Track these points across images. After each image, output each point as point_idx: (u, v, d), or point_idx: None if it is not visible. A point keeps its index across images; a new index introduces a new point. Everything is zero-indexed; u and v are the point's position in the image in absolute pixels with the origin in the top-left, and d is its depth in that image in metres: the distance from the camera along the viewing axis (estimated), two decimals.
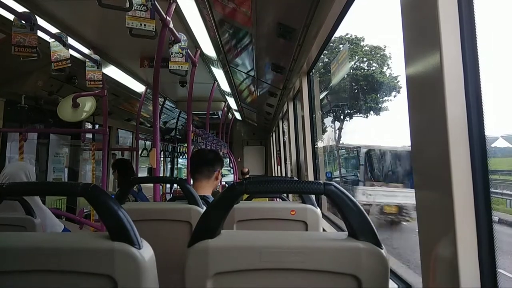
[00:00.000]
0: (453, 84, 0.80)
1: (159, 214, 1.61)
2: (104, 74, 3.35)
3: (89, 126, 5.17)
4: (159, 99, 5.16)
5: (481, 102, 0.81)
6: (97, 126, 4.99)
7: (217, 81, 4.91)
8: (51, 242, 0.85)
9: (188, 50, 2.84)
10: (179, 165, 10.35)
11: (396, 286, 1.24)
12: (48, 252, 0.81)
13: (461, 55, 0.82)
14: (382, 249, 0.84)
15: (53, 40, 2.56)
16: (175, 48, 2.74)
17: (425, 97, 0.89)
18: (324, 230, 2.16)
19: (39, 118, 4.37)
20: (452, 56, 0.81)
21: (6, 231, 0.94)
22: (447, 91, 0.80)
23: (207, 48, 3.47)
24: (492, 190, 0.80)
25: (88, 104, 3.64)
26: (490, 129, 0.83)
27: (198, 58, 3.50)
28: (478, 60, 0.82)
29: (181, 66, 2.73)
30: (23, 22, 2.21)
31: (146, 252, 0.82)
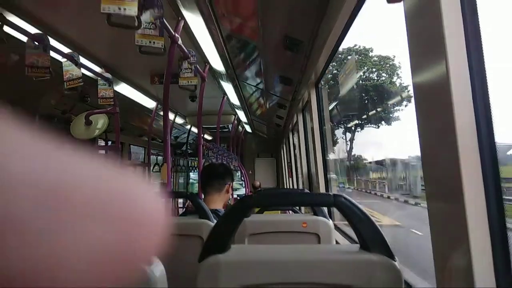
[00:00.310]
0: (460, 92, 0.80)
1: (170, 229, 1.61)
2: (115, 92, 3.42)
3: (102, 143, 5.24)
4: (170, 114, 5.21)
5: (490, 109, 0.81)
6: (109, 143, 5.06)
7: (226, 94, 4.96)
8: None
9: (197, 65, 2.88)
10: (190, 180, 10.39)
11: None
12: None
13: (467, 63, 0.82)
14: (395, 261, 0.82)
15: (65, 59, 2.63)
16: (185, 64, 2.79)
17: (433, 106, 0.88)
18: (337, 242, 2.14)
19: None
20: (458, 64, 0.81)
21: None
22: (455, 99, 0.79)
23: (216, 63, 3.52)
24: (505, 197, 0.79)
25: (100, 122, 3.70)
26: (503, 137, 0.81)
27: (207, 73, 3.55)
28: (485, 67, 0.82)
29: (190, 82, 2.77)
30: (36, 43, 2.28)
31: (156, 267, 0.82)
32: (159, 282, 0.81)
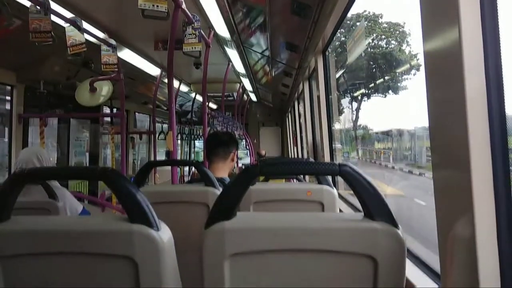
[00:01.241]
0: (472, 60, 0.78)
1: (177, 196, 1.64)
2: (119, 58, 3.37)
3: (107, 110, 5.24)
4: (174, 81, 5.17)
5: (502, 78, 0.78)
6: (115, 110, 5.06)
7: (231, 62, 4.88)
8: (72, 225, 0.88)
9: (202, 31, 2.82)
10: (196, 149, 10.44)
11: (413, 266, 1.24)
12: (70, 234, 0.84)
13: (481, 30, 0.79)
14: (398, 229, 0.83)
15: (68, 25, 2.58)
16: (189, 29, 2.73)
17: (444, 73, 0.86)
18: (340, 210, 2.17)
19: (58, 103, 4.45)
20: (472, 31, 0.78)
21: (30, 214, 0.98)
22: (466, 67, 0.77)
23: (221, 28, 3.43)
24: None
25: (105, 88, 3.69)
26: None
27: (212, 39, 3.48)
28: (499, 35, 0.79)
29: (195, 47, 2.72)
30: (38, 7, 2.23)
31: (164, 234, 0.84)
32: (166, 247, 0.83)
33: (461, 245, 0.83)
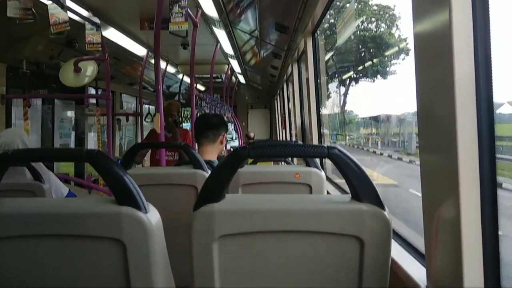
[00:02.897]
0: (462, 44, 0.77)
1: (165, 179, 1.63)
2: (104, 38, 3.28)
3: (92, 91, 5.14)
4: (161, 62, 5.08)
5: (491, 63, 0.79)
6: (100, 91, 4.96)
7: (219, 42, 4.80)
8: (59, 207, 0.87)
9: (189, 10, 2.75)
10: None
11: (399, 246, 1.27)
12: (57, 217, 0.83)
13: (471, 12, 0.78)
14: (385, 210, 0.85)
15: (51, 2, 2.49)
16: (175, 8, 2.66)
17: (433, 56, 0.86)
18: (328, 192, 2.19)
19: (42, 84, 4.34)
20: (462, 13, 0.78)
21: (15, 196, 0.96)
22: (456, 50, 0.77)
23: (209, 7, 3.36)
24: (498, 156, 0.79)
25: (89, 69, 3.59)
26: (497, 94, 0.80)
27: (199, 19, 3.40)
28: (489, 17, 0.79)
29: (181, 26, 2.66)
30: None
31: (152, 216, 0.84)
32: (154, 229, 0.83)
33: (446, 226, 0.84)
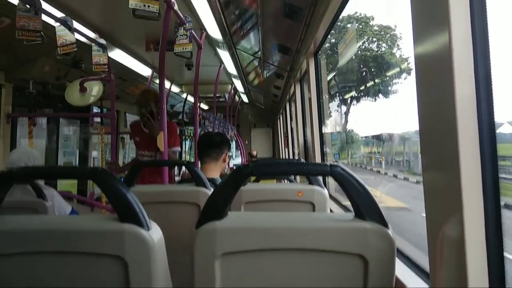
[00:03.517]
0: (462, 64, 0.79)
1: (168, 197, 1.63)
2: (110, 59, 3.34)
3: (97, 110, 5.19)
4: (166, 82, 5.15)
5: (491, 83, 0.80)
6: (105, 110, 5.01)
7: (223, 63, 4.87)
8: (62, 225, 0.87)
9: (194, 32, 2.81)
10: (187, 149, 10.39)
11: (403, 265, 1.25)
12: (59, 234, 0.83)
13: (471, 34, 0.80)
14: (388, 229, 0.84)
15: (59, 24, 2.56)
16: (180, 30, 2.72)
17: (434, 76, 0.87)
18: (331, 211, 2.18)
19: (47, 103, 4.39)
20: (462, 35, 0.80)
21: (18, 214, 0.96)
22: (456, 71, 0.78)
23: (213, 30, 3.43)
24: (502, 176, 0.79)
25: (95, 89, 3.65)
26: (497, 114, 0.81)
27: (203, 41, 3.47)
28: (489, 39, 0.80)
29: (186, 48, 2.71)
30: (28, 6, 2.20)
31: (155, 233, 0.84)
32: (157, 247, 0.83)
33: (450, 245, 0.84)
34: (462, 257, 0.77)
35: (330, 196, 2.00)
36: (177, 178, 7.37)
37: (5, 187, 0.88)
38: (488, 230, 0.78)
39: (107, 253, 0.82)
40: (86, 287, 0.84)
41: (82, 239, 0.83)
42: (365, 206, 0.85)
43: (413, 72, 0.98)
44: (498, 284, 0.77)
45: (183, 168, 6.69)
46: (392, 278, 0.84)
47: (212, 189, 1.58)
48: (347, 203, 2.38)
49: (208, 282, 0.84)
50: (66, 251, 0.83)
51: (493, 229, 0.78)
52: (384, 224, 0.84)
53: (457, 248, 0.79)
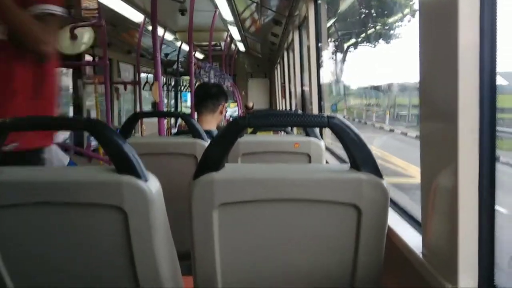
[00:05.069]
0: (467, 12, 0.75)
1: (164, 148, 1.63)
2: (100, 3, 3.19)
3: (90, 59, 5.05)
4: (159, 29, 4.97)
5: (496, 33, 0.77)
6: (97, 59, 4.88)
7: (218, 8, 4.68)
8: (60, 175, 0.88)
9: None
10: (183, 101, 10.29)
11: (396, 215, 1.29)
12: (58, 184, 0.84)
13: None
14: (383, 179, 0.85)
15: None
16: None
17: (438, 23, 0.84)
18: (327, 162, 2.21)
19: None
20: None
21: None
22: (461, 17, 0.75)
23: None
24: (498, 128, 0.79)
25: (86, 36, 3.52)
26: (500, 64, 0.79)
27: None
28: None
29: None
30: None
31: (152, 184, 0.84)
32: (155, 197, 0.84)
33: (443, 195, 0.85)
34: (454, 206, 0.79)
35: (326, 147, 2.01)
36: (173, 130, 7.37)
37: (0, 138, 0.87)
38: (482, 182, 0.79)
39: (106, 203, 0.83)
40: (86, 236, 0.86)
41: (81, 189, 0.83)
42: (360, 157, 0.86)
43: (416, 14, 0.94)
44: (487, 235, 0.79)
45: (180, 119, 6.67)
46: (385, 227, 0.87)
47: (208, 141, 1.58)
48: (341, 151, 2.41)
49: (206, 232, 0.86)
50: (65, 201, 0.84)
51: (487, 182, 0.79)
52: (379, 175, 0.85)
53: (449, 197, 0.81)
